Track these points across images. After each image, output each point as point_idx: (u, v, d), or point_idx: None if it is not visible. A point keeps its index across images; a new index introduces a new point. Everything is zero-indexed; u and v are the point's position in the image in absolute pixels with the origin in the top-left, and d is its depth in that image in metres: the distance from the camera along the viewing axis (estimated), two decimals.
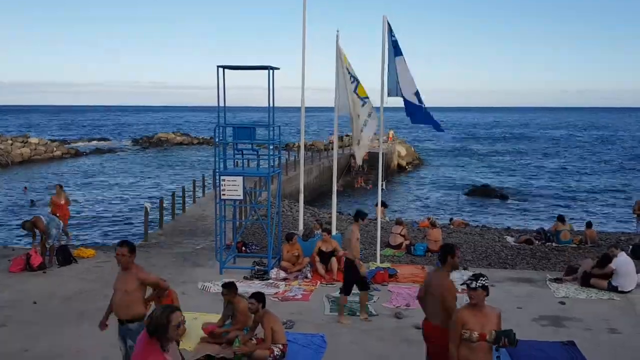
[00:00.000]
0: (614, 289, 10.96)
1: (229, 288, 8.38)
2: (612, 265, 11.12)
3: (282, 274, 11.90)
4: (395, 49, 12.28)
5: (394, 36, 12.32)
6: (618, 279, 11.04)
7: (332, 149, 14.88)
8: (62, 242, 13.32)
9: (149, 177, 42.25)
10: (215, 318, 8.74)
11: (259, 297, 7.74)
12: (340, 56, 12.61)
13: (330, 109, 13.44)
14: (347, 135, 55.35)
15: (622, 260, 11.19)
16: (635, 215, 15.79)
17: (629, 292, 10.95)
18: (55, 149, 55.11)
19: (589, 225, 17.17)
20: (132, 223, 25.12)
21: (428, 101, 12.38)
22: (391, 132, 49.53)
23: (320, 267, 12.01)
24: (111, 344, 8.22)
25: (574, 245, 15.96)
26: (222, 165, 12.49)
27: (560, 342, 8.50)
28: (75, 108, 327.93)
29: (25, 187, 33.28)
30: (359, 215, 9.64)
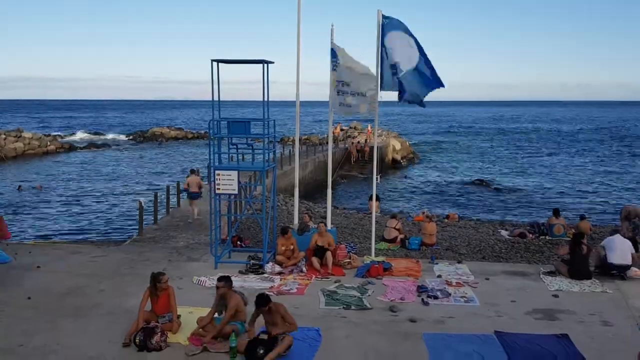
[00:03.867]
0: (604, 261, 11.68)
1: (225, 281, 8.38)
2: (602, 243, 12.08)
3: (277, 268, 11.92)
4: (385, 27, 12.08)
5: (387, 17, 12.17)
6: (608, 253, 11.69)
7: (327, 143, 14.88)
8: None
9: (143, 172, 42.14)
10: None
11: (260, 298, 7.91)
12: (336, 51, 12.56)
13: (325, 103, 13.44)
14: (342, 129, 55.38)
15: (612, 238, 11.99)
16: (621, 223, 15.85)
17: (618, 266, 11.52)
18: (49, 143, 54.89)
19: (582, 217, 17.27)
20: (126, 218, 25.08)
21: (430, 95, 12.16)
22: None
23: (315, 261, 12.04)
24: (106, 339, 8.26)
25: (568, 239, 16.03)
26: (216, 160, 12.47)
27: (554, 334, 8.57)
28: (69, 103, 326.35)
29: (20, 186, 32.73)
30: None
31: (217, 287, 8.40)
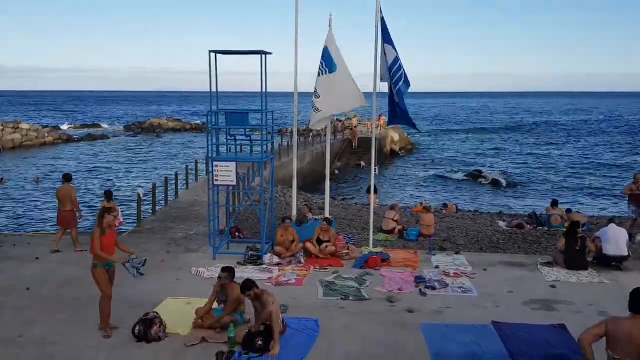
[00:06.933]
0: (601, 253, 11.76)
1: (228, 272, 8.38)
2: (597, 234, 12.26)
3: (276, 259, 11.94)
4: (384, 36, 12.15)
5: (384, 21, 12.19)
6: (604, 244, 11.77)
7: (326, 134, 14.86)
8: None
9: (141, 164, 42.09)
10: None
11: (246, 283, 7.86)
12: (331, 40, 12.47)
13: None
14: (338, 120, 55.30)
15: (606, 229, 12.06)
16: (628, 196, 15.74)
17: (614, 257, 11.60)
18: (46, 134, 54.75)
19: (568, 211, 17.14)
20: (124, 209, 25.04)
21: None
22: (382, 117, 49.30)
23: (310, 246, 12.13)
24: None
25: (565, 230, 16.04)
26: (215, 151, 12.46)
27: (551, 325, 8.61)
28: (67, 93, 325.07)
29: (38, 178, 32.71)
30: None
31: (219, 277, 8.42)
